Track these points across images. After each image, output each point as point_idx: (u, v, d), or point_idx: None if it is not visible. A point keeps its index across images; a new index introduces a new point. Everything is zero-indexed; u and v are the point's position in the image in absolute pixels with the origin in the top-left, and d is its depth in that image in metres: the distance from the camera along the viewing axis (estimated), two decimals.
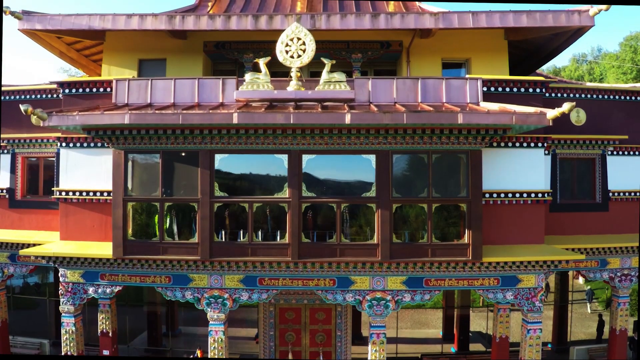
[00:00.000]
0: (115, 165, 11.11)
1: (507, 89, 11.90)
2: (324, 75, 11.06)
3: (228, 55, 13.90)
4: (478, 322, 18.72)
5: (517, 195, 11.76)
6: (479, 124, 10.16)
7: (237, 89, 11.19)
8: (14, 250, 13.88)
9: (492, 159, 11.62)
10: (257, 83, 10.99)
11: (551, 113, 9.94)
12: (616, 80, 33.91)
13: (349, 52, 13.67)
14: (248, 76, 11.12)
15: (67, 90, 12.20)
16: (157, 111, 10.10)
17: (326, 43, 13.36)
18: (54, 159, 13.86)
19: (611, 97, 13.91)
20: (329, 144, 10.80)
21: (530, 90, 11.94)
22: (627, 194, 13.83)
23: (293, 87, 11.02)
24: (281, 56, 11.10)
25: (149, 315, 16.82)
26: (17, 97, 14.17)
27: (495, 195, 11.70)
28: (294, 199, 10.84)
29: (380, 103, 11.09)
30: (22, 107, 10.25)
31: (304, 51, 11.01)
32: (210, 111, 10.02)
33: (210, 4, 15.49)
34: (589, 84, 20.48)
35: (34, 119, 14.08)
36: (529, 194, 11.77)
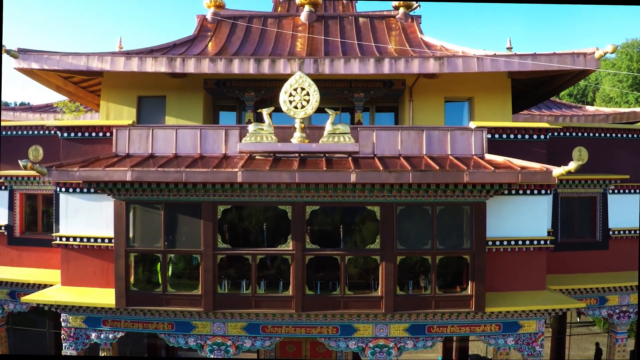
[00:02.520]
0: (117, 215, 10.99)
1: (512, 136, 11.86)
2: (328, 126, 10.94)
3: (229, 94, 13.69)
4: (476, 345, 18.91)
5: (520, 242, 11.78)
6: (484, 182, 10.13)
7: (240, 139, 11.06)
8: (14, 288, 13.83)
9: (495, 206, 11.60)
10: (261, 134, 10.86)
11: (557, 171, 9.94)
12: (612, 87, 33.94)
13: (351, 91, 13.51)
14: (251, 127, 10.98)
15: (65, 134, 12.01)
16: (159, 168, 9.97)
17: (328, 82, 13.20)
18: (52, 195, 13.70)
19: (613, 135, 13.92)
20: (334, 196, 10.72)
21: (535, 137, 11.90)
22: (627, 232, 13.92)
23: (297, 139, 10.90)
24: (285, 106, 10.95)
25: (149, 343, 16.81)
26: (15, 132, 13.98)
27: (497, 242, 11.71)
28: (298, 251, 10.79)
29: (384, 155, 11.01)
30: (21, 163, 10.10)
31: (307, 101, 10.87)
32: (214, 169, 9.90)
33: (209, 34, 15.25)
34: (589, 108, 20.50)
35: (32, 155, 14.05)
36: (531, 241, 11.80)
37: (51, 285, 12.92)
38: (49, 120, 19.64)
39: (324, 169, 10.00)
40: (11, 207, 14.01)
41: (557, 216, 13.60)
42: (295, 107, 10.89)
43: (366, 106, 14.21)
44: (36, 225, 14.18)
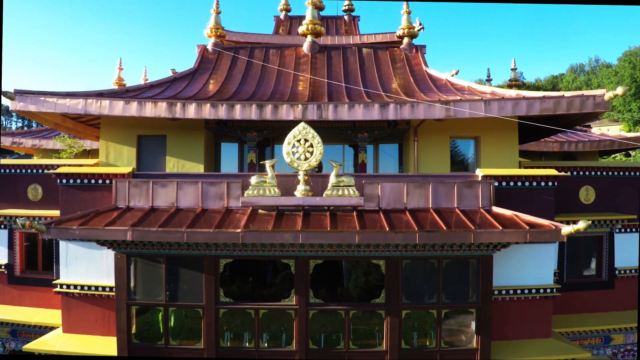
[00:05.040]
0: (118, 269, 10.83)
1: (519, 183, 11.65)
2: (332, 178, 10.72)
3: (231, 134, 13.44)
4: None
5: (526, 291, 11.63)
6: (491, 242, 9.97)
7: (243, 191, 10.85)
8: (15, 327, 13.74)
9: (501, 255, 11.41)
10: (264, 187, 10.64)
11: (566, 230, 9.76)
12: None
13: (355, 131, 13.25)
14: (254, 179, 10.76)
15: (64, 181, 11.81)
16: (160, 228, 9.79)
17: (331, 122, 12.92)
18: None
19: (620, 173, 13.72)
20: (338, 251, 10.56)
21: (543, 183, 11.69)
22: (632, 271, 13.78)
23: (300, 192, 10.70)
24: (288, 158, 10.72)
25: None
26: (14, 171, 13.77)
27: (503, 292, 11.55)
28: (301, 306, 10.65)
29: (389, 208, 10.82)
30: (19, 222, 9.95)
31: (311, 153, 10.64)
32: (216, 230, 9.72)
33: (210, 65, 14.95)
34: (594, 131, 20.21)
35: (31, 194, 13.85)
36: (537, 289, 11.64)
37: (52, 328, 12.85)
38: (50, 143, 19.42)
39: (328, 228, 9.81)
40: (11, 246, 13.85)
41: (564, 257, 13.45)
42: (299, 159, 10.67)
43: (370, 144, 13.96)
44: (36, 265, 14.03)
